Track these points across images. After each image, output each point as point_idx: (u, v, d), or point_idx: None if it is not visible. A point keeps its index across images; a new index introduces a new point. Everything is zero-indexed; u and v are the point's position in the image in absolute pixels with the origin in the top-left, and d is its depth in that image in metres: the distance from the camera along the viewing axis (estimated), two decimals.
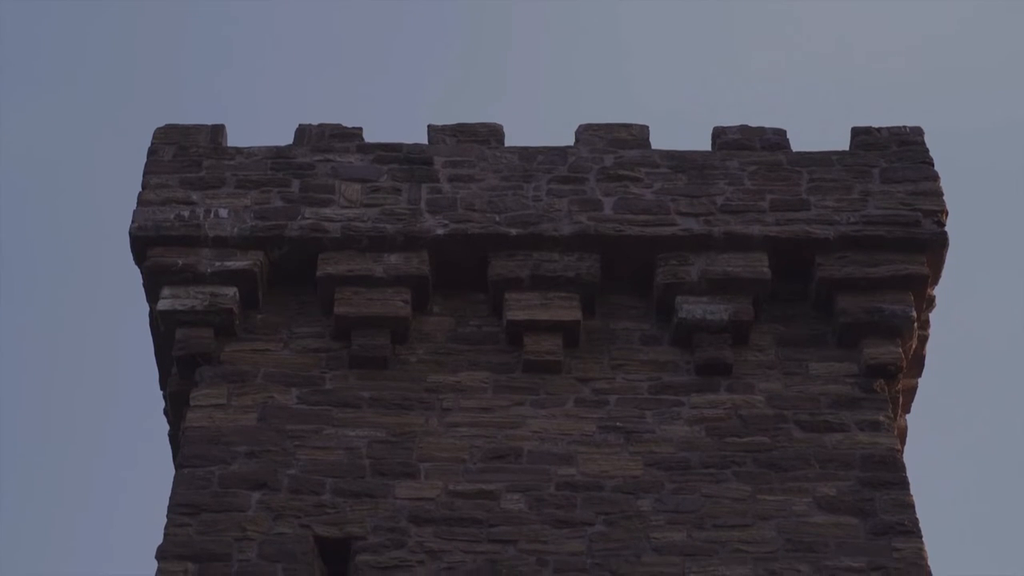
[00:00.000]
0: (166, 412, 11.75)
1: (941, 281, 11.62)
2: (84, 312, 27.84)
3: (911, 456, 11.44)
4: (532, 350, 11.11)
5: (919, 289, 11.40)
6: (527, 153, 11.92)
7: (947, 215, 11.54)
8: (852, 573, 9.98)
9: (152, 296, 11.39)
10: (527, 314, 11.23)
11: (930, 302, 11.63)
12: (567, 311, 11.24)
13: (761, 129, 12.15)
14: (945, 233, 11.48)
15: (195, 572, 9.93)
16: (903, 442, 11.83)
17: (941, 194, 11.67)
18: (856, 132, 12.10)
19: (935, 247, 11.46)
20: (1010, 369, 26.21)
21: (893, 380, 11.12)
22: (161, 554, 10.02)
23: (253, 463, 10.49)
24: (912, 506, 10.37)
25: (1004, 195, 26.45)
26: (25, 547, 26.51)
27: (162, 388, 11.75)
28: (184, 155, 11.88)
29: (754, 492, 10.41)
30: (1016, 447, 25.76)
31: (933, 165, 11.87)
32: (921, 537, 10.23)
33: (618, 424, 10.77)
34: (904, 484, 10.50)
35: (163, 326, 11.30)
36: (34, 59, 28.20)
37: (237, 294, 11.28)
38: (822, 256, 11.40)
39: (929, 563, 10.11)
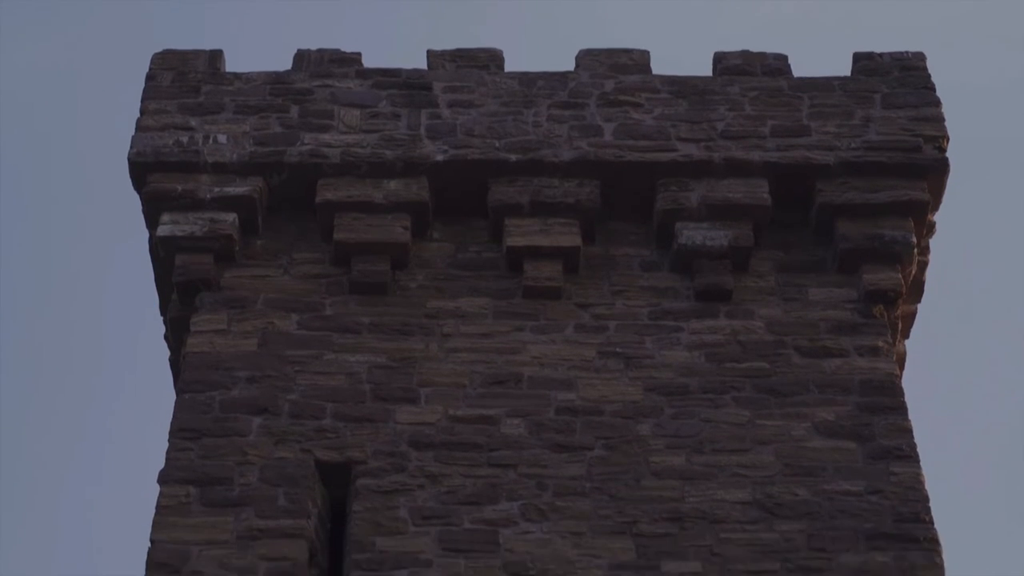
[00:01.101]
0: (167, 338, 11.90)
1: (942, 207, 11.74)
2: (85, 239, 27.98)
3: (910, 381, 11.60)
4: (532, 276, 11.24)
5: (919, 215, 11.51)
6: (527, 78, 11.99)
7: (948, 141, 11.63)
8: (850, 497, 10.17)
9: (152, 222, 11.51)
10: (527, 240, 11.35)
11: (930, 228, 11.75)
12: (567, 237, 11.36)
13: (762, 55, 12.21)
14: (946, 159, 11.58)
15: (196, 496, 10.11)
16: (902, 368, 11.98)
17: (942, 120, 11.76)
18: (858, 57, 12.18)
19: (936, 173, 11.56)
20: (1010, 295, 26.39)
21: (892, 306, 11.26)
22: (163, 478, 10.20)
23: (254, 388, 10.65)
24: (910, 431, 10.54)
25: (1005, 121, 26.48)
26: (26, 473, 26.79)
27: (162, 314, 11.88)
28: (182, 81, 11.95)
29: (753, 417, 10.58)
30: (1014, 371, 25.98)
31: (935, 91, 11.95)
32: (918, 461, 10.40)
33: (618, 350, 10.91)
34: (902, 409, 10.66)
35: (163, 252, 11.42)
36: None
37: (236, 220, 11.39)
38: (822, 182, 11.51)
39: (926, 487, 10.30)
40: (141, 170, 11.52)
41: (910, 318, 11.96)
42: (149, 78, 12.00)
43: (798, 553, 9.89)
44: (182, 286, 11.26)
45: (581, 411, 10.57)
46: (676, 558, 9.84)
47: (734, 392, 10.70)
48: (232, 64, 12.20)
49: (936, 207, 11.68)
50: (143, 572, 9.81)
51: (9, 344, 26.83)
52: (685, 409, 10.61)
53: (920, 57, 12.14)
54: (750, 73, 12.06)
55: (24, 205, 27.64)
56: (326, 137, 11.61)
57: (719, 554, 9.87)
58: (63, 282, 28.09)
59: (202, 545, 9.86)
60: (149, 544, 9.90)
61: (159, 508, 10.04)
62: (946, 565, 9.94)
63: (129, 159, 11.55)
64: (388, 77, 11.98)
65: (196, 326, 11.02)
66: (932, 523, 10.09)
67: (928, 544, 9.97)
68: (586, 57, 12.15)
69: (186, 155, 11.52)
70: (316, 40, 15.03)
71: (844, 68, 12.16)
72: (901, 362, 11.96)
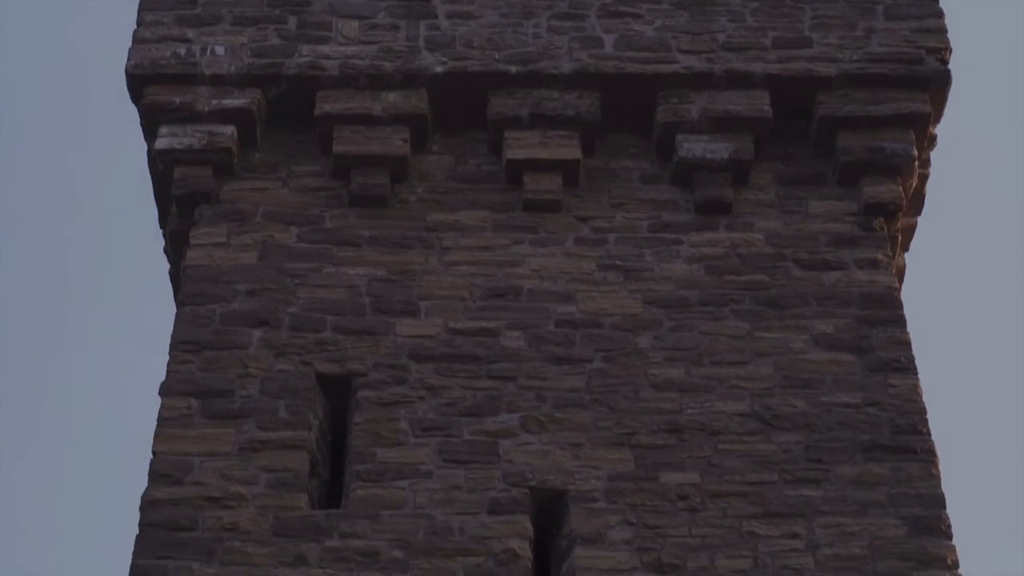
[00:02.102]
0: (166, 251, 12.03)
1: (943, 120, 11.83)
2: (84, 152, 28.07)
3: (909, 294, 11.75)
4: (532, 189, 11.35)
5: (921, 127, 11.60)
6: None
7: (951, 53, 11.70)
8: (847, 408, 10.35)
9: (150, 135, 11.61)
10: (527, 153, 11.45)
11: (931, 141, 11.85)
12: (567, 149, 11.47)
13: None
14: (948, 71, 11.65)
15: (198, 408, 10.29)
16: (901, 280, 12.13)
17: (945, 31, 11.81)
18: None
19: (938, 85, 11.63)
20: (1009, 209, 26.52)
21: (892, 219, 11.39)
22: (164, 390, 10.37)
23: (254, 301, 10.80)
24: (908, 343, 10.70)
25: (1008, 33, 26.47)
26: (28, 387, 27.03)
27: (162, 227, 12.01)
28: None
29: (752, 329, 10.73)
30: (1013, 286, 26.15)
31: (938, 2, 11.99)
32: (916, 374, 10.57)
33: (617, 262, 11.05)
34: (901, 322, 10.81)
35: (161, 165, 11.53)
36: None
37: (235, 133, 11.49)
38: (824, 94, 11.59)
39: (924, 399, 10.48)
40: (139, 82, 11.60)
41: (910, 231, 12.08)
42: None
43: (796, 464, 10.08)
44: (181, 199, 11.38)
45: (580, 324, 10.73)
46: (674, 469, 10.04)
47: (733, 305, 10.85)
48: None
49: (937, 119, 11.77)
50: (146, 483, 10.01)
51: (9, 257, 27.01)
52: (684, 322, 10.76)
53: None
54: None
55: (23, 119, 27.70)
56: (324, 49, 11.67)
57: (717, 465, 10.06)
58: (63, 195, 28.22)
59: (204, 457, 10.05)
60: (151, 456, 10.09)
61: (161, 420, 10.22)
62: (942, 476, 10.13)
63: (126, 71, 11.63)
64: None
65: (195, 239, 11.15)
66: (929, 434, 10.26)
67: (925, 455, 10.15)
68: None
69: (183, 67, 11.60)
70: None
71: None
72: (900, 275, 12.10)
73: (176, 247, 11.66)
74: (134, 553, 9.66)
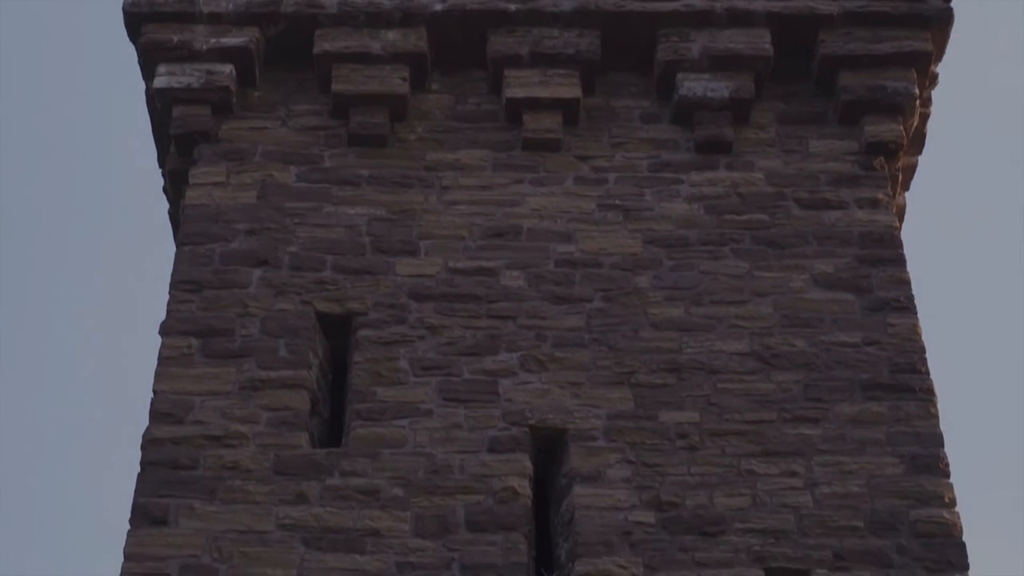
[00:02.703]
0: (165, 190, 12.10)
1: (944, 58, 11.87)
2: (82, 91, 28.06)
3: (909, 234, 11.83)
4: (531, 128, 11.40)
5: (922, 66, 11.65)
6: None
7: None
8: (847, 348, 10.44)
9: (148, 74, 11.66)
10: (526, 91, 11.49)
11: (933, 79, 11.89)
12: (567, 88, 11.51)
13: None
14: (950, 9, 11.67)
15: (198, 347, 10.38)
16: (901, 220, 12.20)
17: None
18: None
19: (940, 23, 11.66)
20: (1010, 146, 26.55)
21: (893, 158, 11.45)
22: (164, 330, 10.46)
23: (253, 240, 10.87)
24: (908, 283, 10.78)
25: None
26: (28, 325, 27.13)
27: (161, 166, 12.07)
28: None
29: (752, 269, 10.81)
30: (1013, 225, 26.21)
31: None
32: (916, 313, 10.65)
33: (617, 202, 11.12)
34: (901, 261, 10.89)
35: (160, 104, 11.58)
36: None
37: (234, 71, 11.52)
38: (825, 32, 11.61)
39: (923, 338, 10.57)
40: (136, 20, 11.63)
41: (911, 170, 12.14)
42: None
43: (794, 403, 10.19)
44: (180, 138, 11.43)
45: (580, 263, 10.80)
46: (674, 408, 10.14)
47: (733, 244, 10.93)
48: None
49: (939, 58, 11.80)
50: (147, 422, 10.11)
51: (9, 198, 27.06)
52: (684, 261, 10.84)
53: None
54: None
55: (21, 58, 27.67)
56: None
57: (716, 404, 10.17)
58: (62, 135, 28.23)
59: (204, 396, 10.15)
60: (152, 395, 10.19)
61: (161, 359, 10.31)
62: (941, 415, 10.24)
63: (124, 9, 11.66)
64: None
65: (194, 178, 11.21)
66: (928, 374, 10.36)
67: (923, 394, 10.25)
68: None
69: (181, 5, 11.61)
70: None
71: None
72: (901, 214, 12.17)
73: (175, 186, 11.73)
74: (135, 491, 9.77)
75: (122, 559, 9.50)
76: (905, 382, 10.30)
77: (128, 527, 9.63)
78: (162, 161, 12.00)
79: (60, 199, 28.32)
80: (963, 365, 24.02)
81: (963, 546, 9.68)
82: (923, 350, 10.49)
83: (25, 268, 27.54)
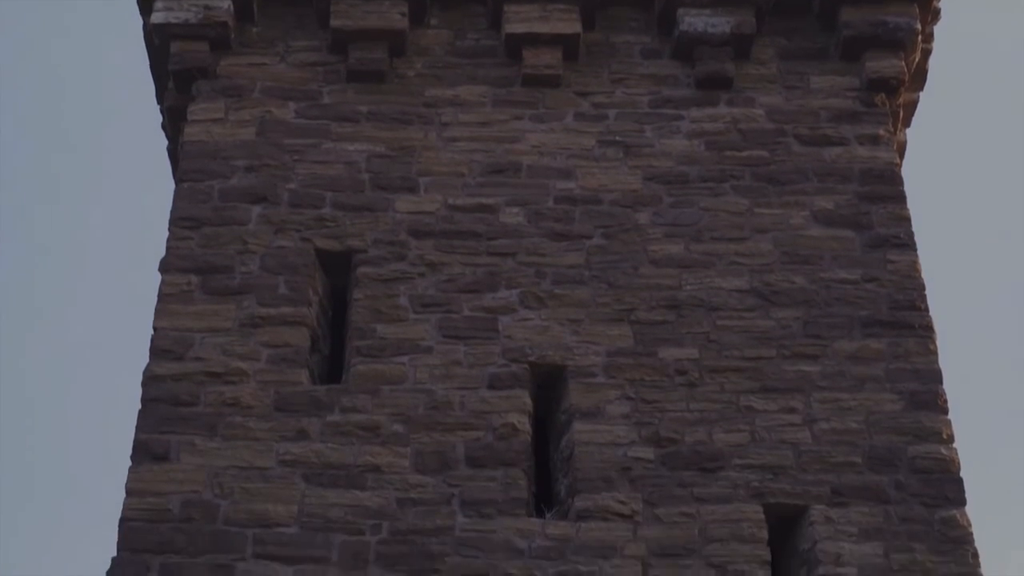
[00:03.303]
0: (164, 127, 12.14)
1: None
2: (81, 27, 28.01)
3: (909, 170, 11.87)
4: (531, 64, 11.43)
5: (924, 1, 11.66)
6: None
7: None
8: (846, 284, 10.53)
9: (146, 9, 11.67)
10: (526, 27, 11.51)
11: (935, 15, 11.91)
12: (567, 24, 11.53)
13: None
14: None
15: (198, 284, 10.46)
16: (902, 156, 12.25)
17: None
18: None
19: None
20: (1012, 82, 26.53)
21: (894, 94, 11.48)
22: (164, 267, 10.54)
23: (252, 177, 10.93)
24: (908, 219, 10.85)
25: None
26: (27, 264, 27.21)
27: (159, 103, 12.11)
28: None
29: (752, 206, 10.88)
30: (1013, 163, 26.24)
31: None
32: (915, 250, 10.73)
33: (617, 138, 11.17)
34: (901, 198, 10.96)
35: (158, 40, 11.60)
36: None
37: (231, 6, 11.53)
38: None
39: (922, 275, 10.65)
40: None
41: (912, 106, 12.18)
42: None
43: (794, 340, 10.29)
44: (178, 74, 11.46)
45: (580, 200, 10.87)
46: (673, 344, 10.24)
47: (733, 180, 11.00)
48: None
49: None
50: (147, 359, 10.21)
51: (8, 136, 27.06)
52: (684, 198, 10.91)
53: None
54: None
55: None
56: None
57: (715, 340, 10.27)
58: (60, 71, 28.20)
59: (204, 332, 10.24)
60: (152, 332, 10.28)
61: (161, 296, 10.39)
62: (940, 352, 10.33)
63: None
64: None
65: (193, 115, 11.25)
66: (927, 310, 10.45)
67: (923, 331, 10.35)
68: None
69: None
70: None
71: None
72: (901, 151, 12.22)
73: (174, 123, 11.77)
74: (136, 428, 9.88)
75: (124, 495, 9.63)
76: (904, 319, 10.40)
77: (129, 463, 9.75)
78: (160, 98, 12.04)
79: (59, 135, 28.34)
80: (963, 302, 24.12)
81: (960, 482, 9.80)
82: (923, 287, 10.58)
83: (26, 208, 27.60)
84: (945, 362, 10.25)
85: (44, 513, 25.51)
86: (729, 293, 10.47)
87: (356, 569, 9.34)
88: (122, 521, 9.49)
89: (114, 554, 9.41)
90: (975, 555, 9.52)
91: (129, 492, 9.60)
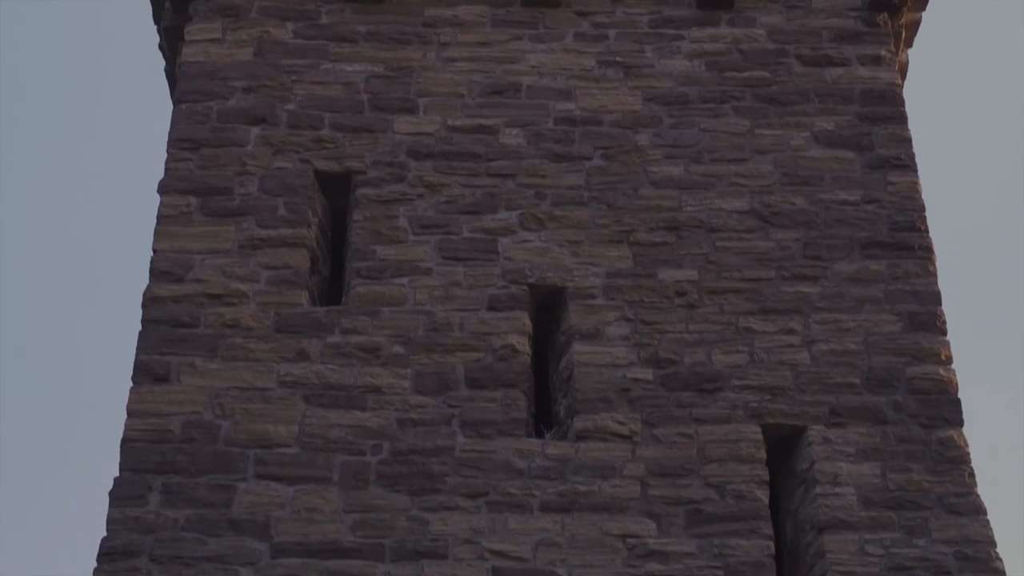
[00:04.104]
0: (161, 48, 12.17)
1: None
2: None
3: (911, 91, 11.93)
4: None
5: None
6: None
7: None
8: (846, 206, 10.63)
9: None
10: None
11: None
12: None
13: None
14: None
15: (197, 205, 10.55)
16: (903, 77, 12.30)
17: None
18: None
19: None
20: (1013, 4, 26.46)
21: (896, 14, 11.53)
22: (163, 188, 10.63)
23: (251, 98, 11.00)
24: (909, 140, 10.94)
25: None
26: (27, 190, 27.25)
27: (156, 23, 12.13)
28: None
29: (752, 127, 10.97)
30: (1014, 82, 26.23)
31: None
32: (916, 171, 10.82)
33: (617, 59, 11.23)
34: (902, 119, 11.04)
35: None
36: None
37: None
38: None
39: (923, 196, 10.75)
40: None
41: (914, 27, 12.20)
42: None
43: (793, 261, 10.40)
44: None
45: (580, 121, 10.95)
46: (672, 266, 10.36)
47: (734, 101, 11.07)
48: None
49: None
50: (147, 281, 10.32)
51: (6, 54, 27.03)
52: (684, 118, 10.99)
53: None
54: None
55: None
56: None
57: (715, 262, 10.38)
58: None
59: (204, 254, 10.35)
60: (152, 254, 10.39)
61: (160, 218, 10.50)
62: (939, 273, 10.44)
63: None
64: None
65: (190, 35, 11.29)
66: (927, 232, 10.57)
67: (922, 252, 10.47)
68: None
69: None
70: None
71: None
72: (903, 71, 12.27)
73: (171, 44, 11.81)
74: (137, 349, 10.01)
75: (125, 416, 9.78)
76: (904, 240, 10.51)
77: (130, 384, 9.90)
78: (157, 18, 12.06)
79: (57, 55, 28.30)
80: (962, 223, 24.22)
81: (958, 402, 9.95)
82: (923, 208, 10.68)
83: (23, 131, 27.61)
84: (944, 283, 10.34)
85: (47, 435, 25.76)
86: (729, 214, 10.58)
87: (357, 489, 9.51)
88: (124, 441, 9.65)
89: (116, 474, 9.58)
90: (972, 475, 9.68)
91: (130, 413, 9.75)
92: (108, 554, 9.27)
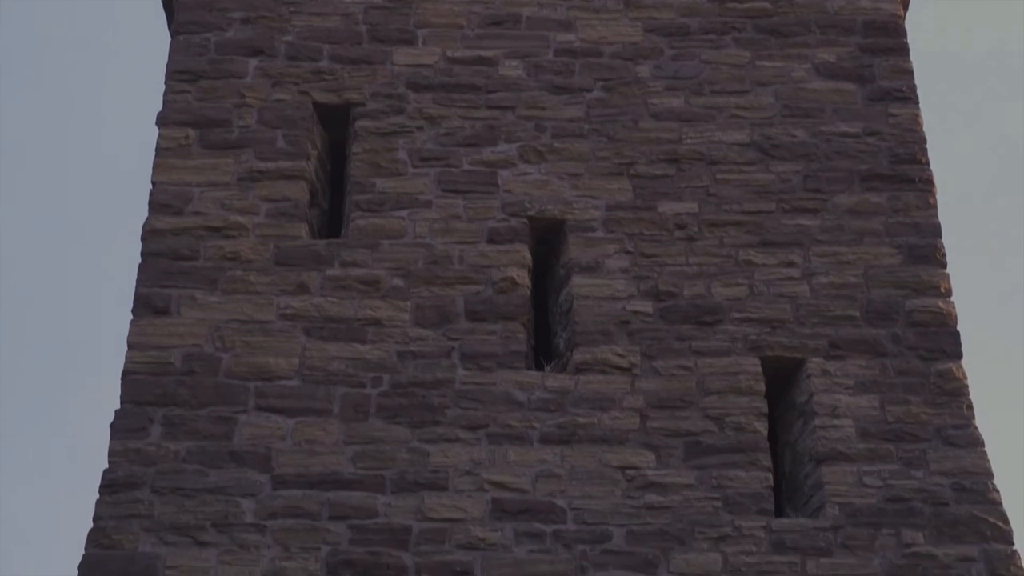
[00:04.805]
0: None
1: None
2: None
3: (913, 22, 11.95)
4: None
5: None
6: None
7: None
8: (847, 138, 10.71)
9: None
10: None
11: None
12: None
13: None
14: None
15: (195, 138, 10.63)
16: (905, 8, 12.32)
17: None
18: None
19: None
20: None
21: None
22: (162, 120, 10.70)
23: (249, 29, 11.05)
24: (911, 72, 11.01)
25: None
26: (27, 123, 27.28)
27: None
28: None
29: (753, 58, 11.02)
30: (1019, 14, 26.15)
31: None
32: (917, 103, 10.89)
33: None
34: (904, 50, 11.10)
35: None
36: None
37: None
38: None
39: (923, 128, 10.82)
40: None
41: None
42: None
43: (793, 194, 10.49)
44: None
45: (580, 52, 11.01)
46: (672, 199, 10.45)
47: (735, 33, 11.12)
48: None
49: None
50: (146, 214, 10.40)
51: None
52: (685, 50, 11.04)
53: None
54: None
55: None
56: None
57: (715, 194, 10.47)
58: None
59: (203, 187, 10.44)
60: (151, 186, 10.47)
61: (159, 151, 10.58)
62: (939, 206, 10.53)
63: None
64: None
65: None
66: (928, 164, 10.65)
67: (923, 185, 10.55)
68: None
69: None
70: None
71: None
72: (905, 2, 12.28)
73: None
74: (137, 282, 10.11)
75: (125, 348, 9.89)
76: (905, 172, 10.59)
77: (131, 317, 10.01)
78: None
79: None
80: (963, 156, 24.25)
81: (957, 335, 10.07)
82: (924, 140, 10.76)
83: (21, 60, 27.58)
84: (944, 216, 10.46)
85: (47, 367, 25.90)
86: (729, 147, 10.65)
87: (357, 421, 9.64)
88: (125, 374, 9.77)
89: (118, 406, 9.71)
90: (970, 407, 9.81)
91: (131, 345, 9.87)
92: (110, 486, 9.41)
